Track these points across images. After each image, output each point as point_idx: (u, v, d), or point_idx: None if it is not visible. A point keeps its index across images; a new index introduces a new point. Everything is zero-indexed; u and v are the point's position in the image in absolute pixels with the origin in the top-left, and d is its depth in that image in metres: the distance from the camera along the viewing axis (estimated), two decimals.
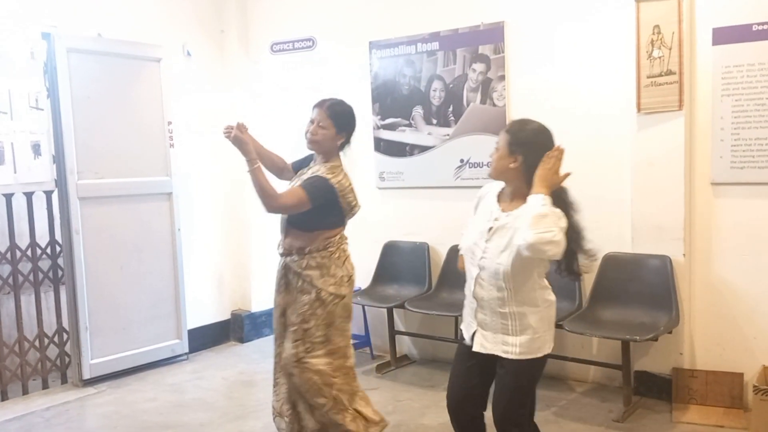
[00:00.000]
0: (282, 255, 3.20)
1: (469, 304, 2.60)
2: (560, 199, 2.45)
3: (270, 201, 3.00)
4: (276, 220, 3.26)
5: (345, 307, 3.18)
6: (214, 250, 5.39)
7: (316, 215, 3.07)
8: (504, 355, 2.48)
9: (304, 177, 3.15)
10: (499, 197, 2.57)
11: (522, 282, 2.45)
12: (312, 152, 3.27)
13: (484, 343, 2.53)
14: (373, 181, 5.00)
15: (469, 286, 2.56)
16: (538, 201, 2.36)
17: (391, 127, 4.88)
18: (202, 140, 5.21)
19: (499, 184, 2.60)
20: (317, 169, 3.14)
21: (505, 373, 2.51)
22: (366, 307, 4.84)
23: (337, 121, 3.15)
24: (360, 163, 5.04)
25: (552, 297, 2.57)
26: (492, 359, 2.53)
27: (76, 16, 4.53)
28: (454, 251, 4.58)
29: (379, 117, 4.94)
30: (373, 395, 4.18)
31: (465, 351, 2.61)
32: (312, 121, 3.15)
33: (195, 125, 5.22)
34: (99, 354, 4.57)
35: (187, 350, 5.06)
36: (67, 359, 4.59)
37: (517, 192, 2.50)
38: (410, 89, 4.77)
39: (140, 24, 4.87)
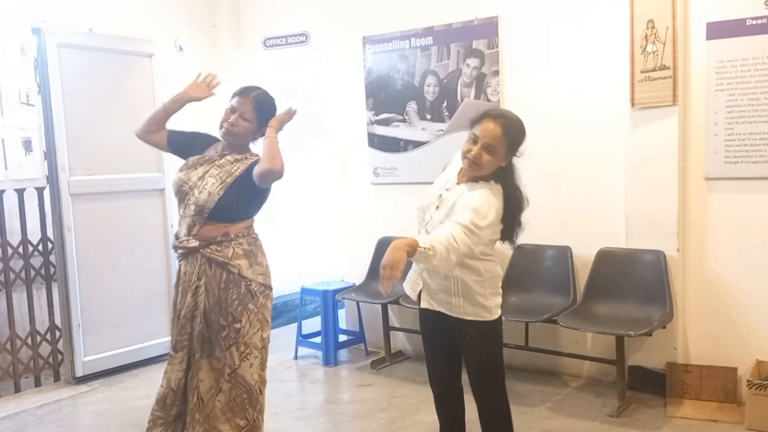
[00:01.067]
0: (193, 250, 2.78)
1: (419, 273, 2.67)
2: (506, 173, 2.54)
3: (281, 167, 2.71)
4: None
5: (271, 302, 2.92)
6: None
7: (248, 203, 2.84)
8: (450, 313, 2.58)
9: (226, 162, 2.81)
10: (460, 169, 2.61)
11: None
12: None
13: (430, 301, 2.65)
14: (367, 176, 4.99)
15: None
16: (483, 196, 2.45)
17: (385, 123, 4.86)
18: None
19: (458, 164, 2.64)
20: (243, 157, 2.85)
21: (468, 339, 2.60)
22: (360, 303, 4.84)
23: (261, 114, 2.84)
24: (354, 159, 5.05)
25: (497, 269, 2.63)
26: (449, 325, 2.61)
27: (67, 10, 4.50)
28: None
29: (372, 112, 4.92)
30: (368, 391, 4.20)
31: (425, 323, 2.73)
32: (233, 110, 2.82)
33: (188, 120, 5.17)
34: (92, 351, 4.54)
35: None
36: (59, 357, 4.56)
37: (474, 178, 2.55)
38: (404, 84, 4.76)
39: (132, 19, 4.84)
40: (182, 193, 2.85)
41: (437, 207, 2.58)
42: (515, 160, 2.59)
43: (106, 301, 4.63)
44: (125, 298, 4.72)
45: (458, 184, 2.59)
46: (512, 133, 2.49)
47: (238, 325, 2.77)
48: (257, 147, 2.92)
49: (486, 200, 2.44)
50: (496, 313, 2.62)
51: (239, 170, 2.80)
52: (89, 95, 4.52)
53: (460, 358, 2.75)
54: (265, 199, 2.91)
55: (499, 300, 2.64)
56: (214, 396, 2.80)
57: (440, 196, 2.60)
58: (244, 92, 2.86)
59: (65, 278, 4.46)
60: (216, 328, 2.78)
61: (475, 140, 2.48)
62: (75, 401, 4.22)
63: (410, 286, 2.75)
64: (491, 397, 2.70)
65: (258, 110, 2.83)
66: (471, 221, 2.37)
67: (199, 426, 2.80)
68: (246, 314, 2.78)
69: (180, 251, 2.85)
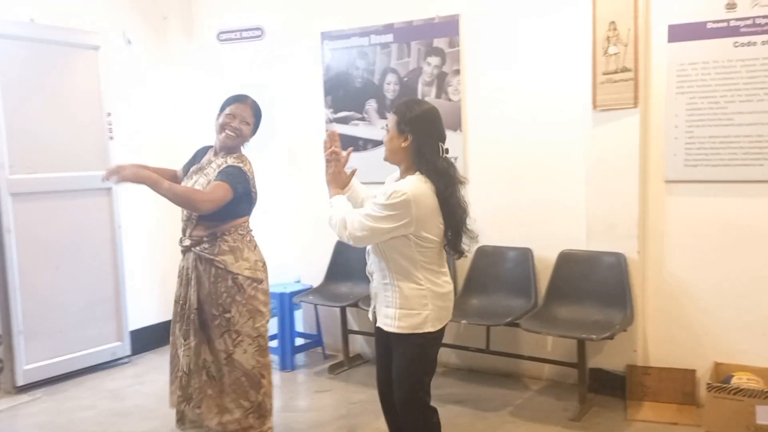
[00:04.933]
0: (188, 248, 3.12)
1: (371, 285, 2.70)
2: (447, 175, 2.51)
3: (200, 203, 2.93)
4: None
5: (265, 293, 3.16)
6: (156, 247, 5.13)
7: (229, 204, 3.00)
8: (386, 328, 2.56)
9: (211, 169, 3.08)
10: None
11: (398, 257, 2.50)
12: (202, 147, 3.32)
13: (377, 316, 2.65)
14: (323, 176, 4.84)
15: (367, 267, 2.68)
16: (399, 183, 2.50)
17: (344, 121, 4.74)
18: (144, 132, 4.97)
19: (397, 173, 2.66)
20: (223, 161, 3.08)
21: (394, 349, 2.58)
22: (318, 306, 4.71)
23: (257, 119, 3.17)
24: (311, 157, 4.91)
25: (444, 286, 2.58)
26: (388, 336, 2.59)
27: None
28: None
29: (331, 110, 4.79)
30: (326, 398, 4.09)
31: (376, 331, 2.69)
32: (234, 116, 3.09)
33: (136, 116, 4.97)
34: (33, 359, 4.31)
35: (129, 352, 4.83)
36: None
37: (403, 173, 2.58)
38: (363, 82, 4.65)
39: (77, 10, 4.59)
40: None
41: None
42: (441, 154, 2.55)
43: (49, 305, 4.40)
44: (70, 302, 4.50)
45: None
46: (402, 111, 2.55)
47: (228, 315, 3.05)
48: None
49: (397, 183, 2.50)
50: (431, 328, 2.55)
51: (215, 175, 3.04)
52: (30, 89, 4.28)
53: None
54: (250, 199, 3.13)
55: (441, 315, 2.60)
56: (220, 377, 3.10)
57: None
58: (241, 99, 3.14)
59: (4, 282, 4.21)
60: (210, 317, 3.08)
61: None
62: (15, 412, 3.99)
63: (371, 304, 2.74)
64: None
65: (255, 115, 3.16)
66: (372, 202, 2.48)
67: (212, 401, 3.10)
68: (235, 305, 3.04)
69: (181, 249, 3.18)
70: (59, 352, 4.44)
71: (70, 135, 4.48)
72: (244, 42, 5.09)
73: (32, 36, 4.28)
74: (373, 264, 2.63)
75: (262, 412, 3.14)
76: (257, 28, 5.02)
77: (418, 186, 2.45)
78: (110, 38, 4.73)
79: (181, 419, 3.22)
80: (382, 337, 2.66)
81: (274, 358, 4.67)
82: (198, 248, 3.07)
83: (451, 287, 2.63)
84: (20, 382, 4.25)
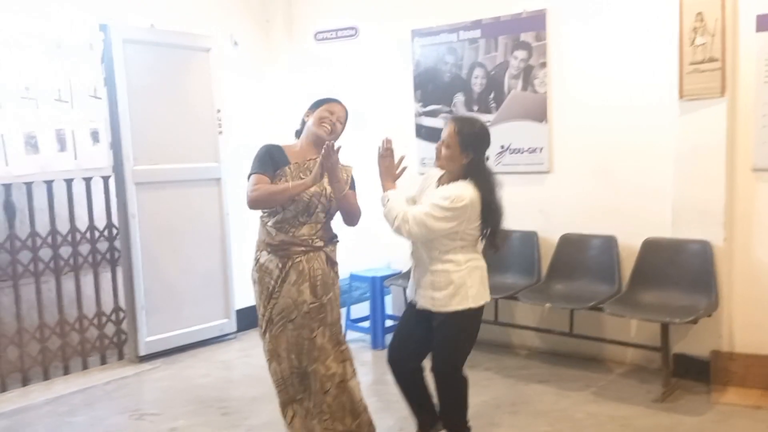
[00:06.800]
0: (316, 248, 2.96)
1: (412, 266, 3.09)
2: (476, 172, 2.90)
3: (359, 218, 3.11)
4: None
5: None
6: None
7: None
8: (434, 309, 2.95)
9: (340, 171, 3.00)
10: (440, 180, 3.04)
11: (445, 245, 2.90)
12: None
13: (420, 300, 3.01)
14: (414, 166, 5.10)
15: (412, 250, 3.06)
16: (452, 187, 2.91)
17: (432, 114, 4.98)
18: (249, 127, 5.38)
19: (439, 173, 3.05)
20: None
21: (440, 327, 2.95)
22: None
23: (347, 121, 3.14)
24: (401, 150, 5.16)
25: (480, 262, 3.01)
26: (429, 315, 2.97)
27: (130, 8, 4.71)
28: None
29: (420, 104, 5.04)
30: None
31: (409, 309, 3.12)
32: (331, 113, 3.02)
33: (242, 112, 5.39)
34: (154, 332, 4.79)
35: (235, 329, 5.27)
36: (123, 337, 4.83)
37: (453, 177, 2.95)
38: (451, 76, 4.86)
39: (190, 15, 5.04)
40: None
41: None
42: (486, 163, 2.98)
43: (167, 284, 4.87)
44: (184, 281, 4.96)
45: (437, 187, 3.00)
46: (464, 130, 2.90)
47: (339, 325, 3.11)
48: None
49: (455, 188, 2.88)
50: (473, 304, 2.96)
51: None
52: (151, 88, 4.74)
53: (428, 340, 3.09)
54: None
55: (482, 290, 3.01)
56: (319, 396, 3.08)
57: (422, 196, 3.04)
58: (335, 100, 3.10)
59: (129, 262, 4.70)
60: (327, 324, 3.06)
61: (441, 140, 2.97)
62: (140, 378, 4.48)
63: (409, 287, 3.15)
64: None
65: (347, 117, 3.13)
66: (432, 203, 2.85)
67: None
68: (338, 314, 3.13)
69: (302, 249, 3.00)
70: (175, 327, 4.92)
71: (185, 130, 4.92)
72: (340, 41, 5.41)
73: (153, 40, 4.75)
74: (419, 250, 3.00)
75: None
76: (352, 28, 5.33)
77: (473, 193, 2.86)
78: (220, 41, 5.16)
79: None
80: (420, 317, 3.01)
81: (366, 338, 5.00)
82: (327, 248, 3.01)
83: (485, 267, 3.04)
84: (142, 352, 4.75)
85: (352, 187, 3.10)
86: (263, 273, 3.01)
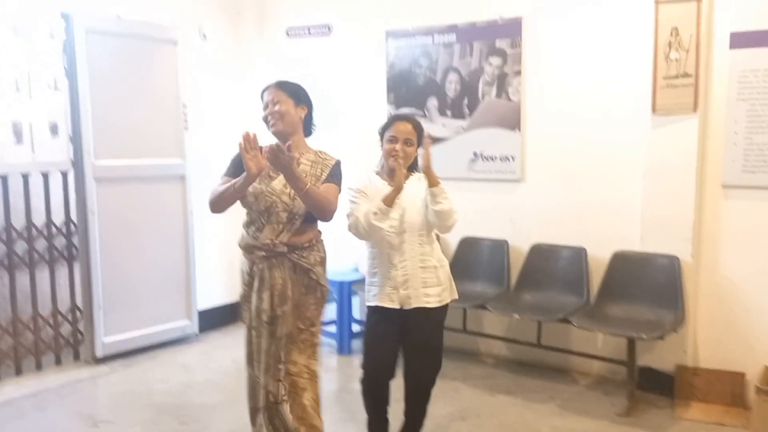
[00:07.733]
0: (279, 254, 2.79)
1: (380, 270, 3.00)
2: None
3: (330, 213, 2.77)
4: None
5: None
6: (224, 233, 5.42)
7: None
8: (430, 305, 2.95)
9: (311, 166, 2.86)
10: (381, 177, 3.08)
11: (431, 238, 3.02)
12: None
13: (411, 300, 2.95)
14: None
15: (393, 253, 2.96)
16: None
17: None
18: (217, 123, 5.24)
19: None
20: (315, 155, 2.93)
21: (428, 323, 2.97)
22: None
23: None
24: (373, 152, 5.08)
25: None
26: (404, 317, 2.94)
27: None
28: (466, 242, 4.65)
29: (393, 106, 4.97)
30: None
31: (384, 317, 2.98)
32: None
33: (209, 108, 5.24)
34: (111, 332, 4.64)
35: (197, 331, 5.14)
36: (80, 337, 4.66)
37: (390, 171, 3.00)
38: (425, 80, 4.80)
39: (157, 5, 4.87)
40: None
41: (403, 210, 2.95)
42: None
43: (126, 283, 4.72)
44: (144, 280, 4.82)
45: (390, 185, 2.94)
46: (419, 126, 3.06)
47: (314, 329, 2.96)
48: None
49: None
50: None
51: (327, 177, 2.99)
52: (115, 81, 4.58)
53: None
54: None
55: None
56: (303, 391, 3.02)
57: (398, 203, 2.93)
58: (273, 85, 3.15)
59: (87, 259, 4.54)
60: (292, 331, 2.93)
61: (393, 140, 2.99)
62: (95, 381, 4.33)
63: (385, 296, 3.00)
64: None
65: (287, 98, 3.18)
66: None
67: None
68: (318, 319, 3.00)
69: (262, 255, 2.89)
70: (134, 327, 4.77)
71: (149, 124, 4.77)
72: (312, 38, 5.30)
73: (118, 31, 4.57)
74: (410, 251, 2.96)
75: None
76: (325, 26, 5.22)
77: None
78: (187, 33, 5.00)
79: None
80: (392, 323, 2.97)
81: (332, 343, 4.92)
82: (295, 255, 2.81)
83: None
84: (99, 353, 4.60)
85: (335, 180, 2.88)
86: (242, 275, 2.96)
